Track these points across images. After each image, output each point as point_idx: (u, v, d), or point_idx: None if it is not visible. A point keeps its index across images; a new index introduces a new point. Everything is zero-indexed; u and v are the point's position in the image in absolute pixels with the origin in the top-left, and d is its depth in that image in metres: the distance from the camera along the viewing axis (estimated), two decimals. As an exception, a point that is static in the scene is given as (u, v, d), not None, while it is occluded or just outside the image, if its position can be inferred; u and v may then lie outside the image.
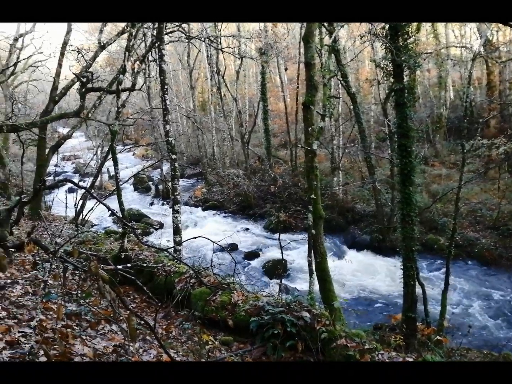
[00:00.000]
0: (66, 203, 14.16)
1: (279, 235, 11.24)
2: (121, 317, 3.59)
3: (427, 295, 9.84)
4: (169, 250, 6.11)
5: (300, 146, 15.06)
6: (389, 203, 16.22)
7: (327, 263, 8.34)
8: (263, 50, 21.96)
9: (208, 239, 5.48)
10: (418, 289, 9.56)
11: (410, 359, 4.03)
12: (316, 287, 8.44)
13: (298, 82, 23.15)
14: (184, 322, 5.25)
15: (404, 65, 10.01)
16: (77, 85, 13.89)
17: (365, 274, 14.82)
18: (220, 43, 21.98)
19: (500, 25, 15.52)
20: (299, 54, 22.19)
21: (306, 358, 4.39)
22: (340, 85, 20.66)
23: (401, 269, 9.60)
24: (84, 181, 18.28)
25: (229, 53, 22.56)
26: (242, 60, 25.24)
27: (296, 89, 24.02)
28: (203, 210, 23.05)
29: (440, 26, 25.69)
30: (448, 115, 25.74)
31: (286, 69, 27.88)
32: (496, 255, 15.09)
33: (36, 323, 3.42)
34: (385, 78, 12.09)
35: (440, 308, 9.72)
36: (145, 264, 6.62)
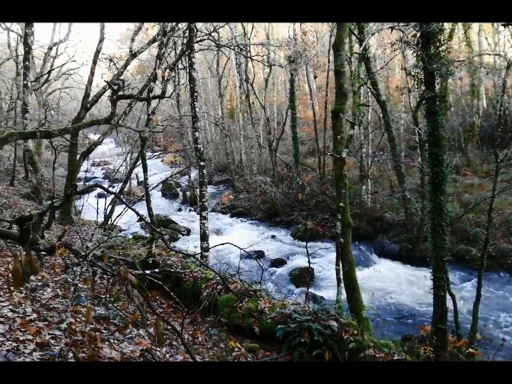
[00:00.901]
0: (96, 208, 14.52)
1: (306, 243, 11.15)
2: (149, 322, 3.64)
3: (457, 306, 9.56)
4: (196, 256, 6.17)
5: (328, 154, 14.98)
6: (419, 213, 15.89)
7: (355, 272, 8.23)
8: (292, 58, 22.01)
9: (235, 245, 5.50)
10: (449, 301, 9.33)
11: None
12: (344, 296, 8.33)
13: (327, 90, 23.08)
14: (210, 328, 5.28)
15: (436, 73, 9.87)
16: (108, 92, 14.30)
17: (394, 284, 14.53)
18: (249, 51, 22.19)
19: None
20: (329, 62, 22.14)
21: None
22: (369, 93, 20.49)
23: (431, 279, 9.39)
24: (114, 187, 18.74)
25: (258, 61, 22.75)
26: (271, 68, 25.37)
27: (325, 97, 23.94)
28: (230, 217, 23.16)
29: (473, 33, 25.15)
30: (481, 123, 25.06)
31: (315, 77, 27.85)
32: (530, 267, 14.55)
33: (66, 326, 3.50)
34: (416, 86, 11.96)
35: (471, 320, 9.42)
36: (172, 270, 6.70)
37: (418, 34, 9.99)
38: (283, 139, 29.28)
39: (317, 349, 4.37)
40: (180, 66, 18.07)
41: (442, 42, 9.96)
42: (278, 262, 16.38)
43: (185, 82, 22.54)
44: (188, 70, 11.25)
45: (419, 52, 9.91)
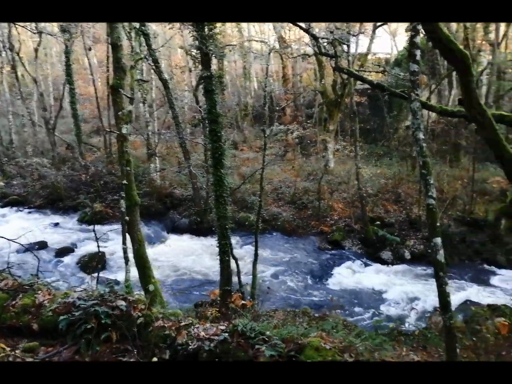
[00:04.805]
0: None
1: (94, 227, 10.63)
2: None
3: (241, 268, 10.72)
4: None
5: (107, 130, 14.42)
6: (205, 186, 16.93)
7: (145, 249, 8.31)
8: (63, 27, 19.93)
9: (3, 237, 4.84)
10: (234, 264, 10.36)
11: (223, 327, 4.38)
12: (135, 274, 8.34)
13: (108, 65, 21.92)
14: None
15: (210, 54, 10.45)
16: None
17: (186, 256, 15.25)
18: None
19: (290, 24, 17.43)
20: (108, 35, 20.93)
21: (123, 347, 4.33)
22: (152, 71, 20.37)
23: (217, 247, 10.21)
24: None
25: (24, 27, 19.78)
26: (41, 36, 22.48)
27: (106, 72, 22.71)
28: (2, 207, 20.06)
29: (244, 19, 27.57)
30: (254, 103, 28.06)
31: (90, 49, 25.96)
32: (294, 225, 17.54)
33: None
34: (195, 65, 12.50)
35: (252, 277, 10.71)
36: None
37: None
38: (63, 116, 26.76)
39: (105, 332, 4.28)
40: None
41: (214, 25, 10.59)
42: (65, 251, 15.16)
43: None
44: None
45: (194, 33, 10.31)
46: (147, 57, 15.55)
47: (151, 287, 5.37)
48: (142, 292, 7.69)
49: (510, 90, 21.09)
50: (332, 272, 14.23)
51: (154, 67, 17.03)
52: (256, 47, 28.65)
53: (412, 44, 5.51)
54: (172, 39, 24.57)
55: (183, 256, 15.24)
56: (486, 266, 14.53)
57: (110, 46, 10.62)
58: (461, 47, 6.03)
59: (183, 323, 4.49)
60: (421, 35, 7.46)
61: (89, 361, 2.83)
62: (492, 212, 15.80)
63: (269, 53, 14.46)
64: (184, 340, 4.14)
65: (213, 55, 10.71)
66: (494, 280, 13.51)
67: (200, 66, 11.20)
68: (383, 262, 14.84)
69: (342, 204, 18.38)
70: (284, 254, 15.58)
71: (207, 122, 11.04)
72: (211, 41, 10.28)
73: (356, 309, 11.73)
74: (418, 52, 5.51)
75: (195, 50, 11.60)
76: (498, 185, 16.67)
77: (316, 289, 13.09)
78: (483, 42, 20.79)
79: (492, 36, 20.39)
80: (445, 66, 21.04)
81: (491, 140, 6.26)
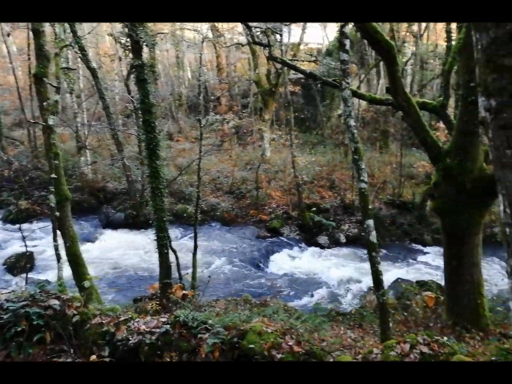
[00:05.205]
0: None
1: (20, 226, 9.97)
2: None
3: (181, 260, 10.59)
4: None
5: (33, 122, 13.55)
6: (140, 179, 16.47)
7: (78, 246, 7.95)
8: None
9: None
10: (173, 257, 10.20)
11: (164, 319, 4.31)
12: (68, 272, 7.95)
13: (29, 53, 20.43)
14: None
15: (141, 42, 10.10)
16: None
17: (123, 251, 14.79)
18: None
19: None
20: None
21: (59, 348, 4.13)
22: (79, 59, 19.31)
23: (155, 240, 9.99)
24: None
25: None
26: None
27: (28, 60, 21.17)
28: None
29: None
30: (188, 93, 27.61)
31: (8, 35, 24.07)
32: (233, 215, 17.64)
33: None
34: (125, 54, 12.02)
35: (192, 269, 10.64)
36: None
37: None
38: (-22, 108, 24.51)
39: (38, 333, 4.06)
40: None
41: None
42: (-13, 253, 14.08)
43: None
44: None
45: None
46: (72, 44, 14.71)
47: (86, 284, 5.15)
48: (77, 290, 7.36)
49: (432, 80, 22.57)
50: (272, 259, 14.51)
51: (81, 55, 16.15)
52: (189, 36, 28.14)
53: (341, 34, 5.67)
54: (99, 25, 23.41)
55: (119, 251, 14.76)
56: (414, 245, 15.56)
57: (31, 32, 9.91)
58: (387, 38, 6.34)
59: (122, 318, 4.37)
60: (350, 25, 7.74)
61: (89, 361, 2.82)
62: (419, 195, 16.90)
63: (202, 42, 14.28)
64: (124, 335, 4.04)
65: (144, 43, 10.36)
66: (422, 258, 14.52)
67: (130, 55, 10.78)
68: (320, 246, 15.38)
69: (280, 192, 18.73)
70: (224, 244, 15.62)
71: (140, 112, 10.70)
72: (142, 28, 9.94)
73: (296, 293, 12.07)
74: (347, 42, 5.69)
75: (124, 38, 11.14)
76: (423, 169, 17.82)
77: (257, 277, 13.28)
78: (407, 33, 21.96)
79: (415, 28, 21.59)
80: (373, 57, 22.02)
81: (416, 126, 6.67)
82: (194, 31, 24.91)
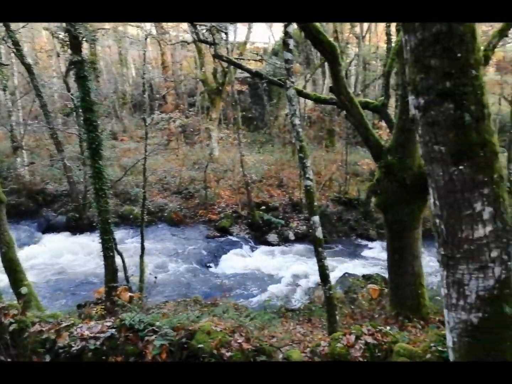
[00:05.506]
0: None
1: None
2: None
3: (128, 262, 10.31)
4: None
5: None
6: (82, 180, 15.84)
7: (14, 252, 7.52)
8: None
9: None
10: (119, 260, 9.91)
11: (109, 323, 4.18)
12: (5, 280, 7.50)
13: (-45, 46, 19.00)
14: None
15: (81, 38, 9.72)
16: None
17: (65, 255, 14.17)
18: None
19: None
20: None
21: (-5, 359, 3.89)
22: (13, 54, 18.19)
23: (99, 243, 9.66)
24: None
25: None
26: None
27: (-47, 54, 19.66)
28: None
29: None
30: (132, 91, 26.88)
31: None
32: (182, 215, 17.42)
33: None
34: (63, 49, 11.45)
35: (139, 271, 10.39)
36: None
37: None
38: None
39: (-30, 345, 3.80)
40: None
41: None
42: None
43: None
44: None
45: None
46: (5, 38, 13.87)
47: (23, 290, 4.88)
48: (15, 298, 6.96)
49: (375, 80, 23.48)
50: (222, 259, 14.49)
51: (14, 50, 15.23)
52: (132, 32, 27.37)
53: (285, 33, 5.77)
54: (34, 19, 22.13)
55: (61, 255, 14.12)
56: (360, 240, 16.14)
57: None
58: (331, 39, 6.51)
59: (63, 325, 4.20)
60: (295, 25, 7.87)
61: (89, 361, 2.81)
62: (364, 192, 17.54)
63: (146, 39, 13.96)
64: (66, 342, 3.88)
65: (84, 39, 9.95)
66: (367, 252, 15.08)
67: (69, 50, 10.28)
68: (270, 244, 15.55)
69: (229, 191, 18.72)
70: (173, 245, 15.38)
71: (80, 110, 10.29)
72: (80, 23, 9.55)
73: (247, 292, 12.13)
74: (291, 41, 5.79)
75: (62, 33, 10.61)
76: (367, 166, 18.53)
77: (207, 277, 13.21)
78: (350, 35, 22.68)
79: (357, 29, 22.36)
80: (318, 57, 22.54)
81: (358, 125, 6.91)
82: (137, 27, 24.24)
